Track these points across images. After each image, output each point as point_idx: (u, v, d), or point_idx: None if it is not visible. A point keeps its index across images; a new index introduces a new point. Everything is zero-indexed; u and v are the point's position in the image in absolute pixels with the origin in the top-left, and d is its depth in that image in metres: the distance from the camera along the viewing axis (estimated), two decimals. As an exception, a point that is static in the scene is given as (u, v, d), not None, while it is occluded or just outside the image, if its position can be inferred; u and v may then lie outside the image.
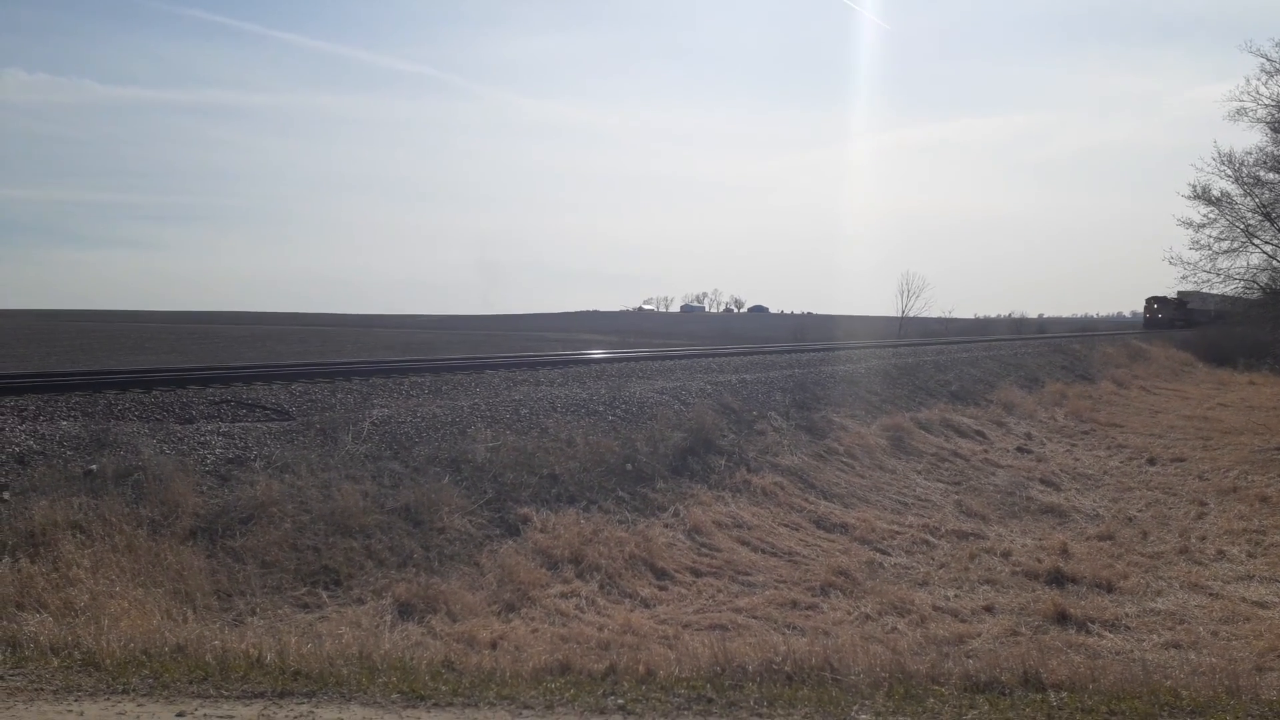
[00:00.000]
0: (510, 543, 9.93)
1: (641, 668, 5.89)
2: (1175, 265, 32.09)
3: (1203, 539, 12.98)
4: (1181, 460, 19.57)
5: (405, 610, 8.16)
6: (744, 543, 11.46)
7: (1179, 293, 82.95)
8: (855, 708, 4.97)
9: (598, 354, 24.61)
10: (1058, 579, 10.73)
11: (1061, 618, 9.27)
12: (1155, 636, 8.94)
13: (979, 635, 8.73)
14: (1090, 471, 18.38)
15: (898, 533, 12.67)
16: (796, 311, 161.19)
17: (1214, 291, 79.20)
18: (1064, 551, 11.88)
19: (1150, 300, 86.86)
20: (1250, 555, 12.17)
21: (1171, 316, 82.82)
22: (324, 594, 8.22)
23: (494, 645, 7.48)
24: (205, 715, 4.62)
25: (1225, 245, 30.02)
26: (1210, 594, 10.44)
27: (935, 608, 9.62)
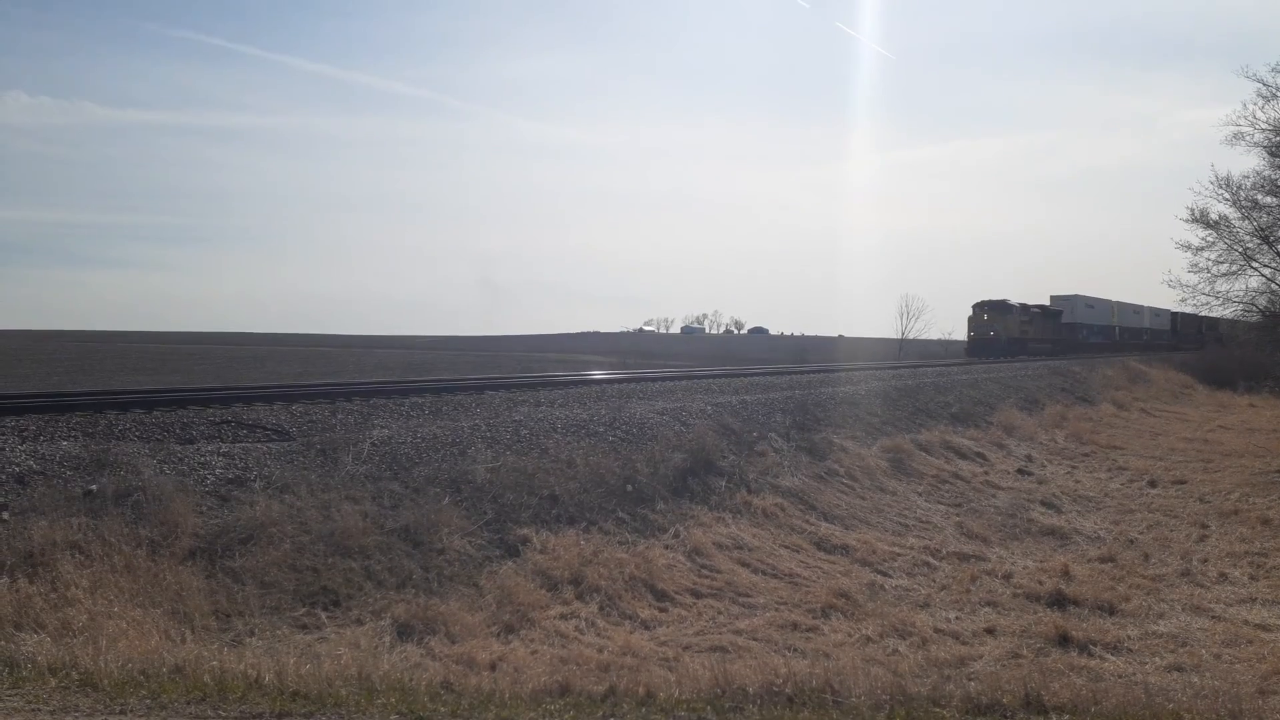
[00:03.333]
0: (510, 564, 9.91)
1: (641, 689, 5.87)
2: (1174, 288, 32.06)
3: (1204, 561, 12.94)
4: (1182, 482, 19.54)
5: (404, 631, 8.12)
6: (744, 564, 11.42)
7: (1052, 298, 57.45)
8: (856, 730, 4.95)
9: (598, 375, 24.62)
10: (1059, 601, 10.69)
11: (1063, 640, 9.23)
12: (1157, 659, 8.89)
13: (980, 657, 8.69)
14: (1091, 494, 18.34)
15: (898, 554, 12.63)
16: (797, 333, 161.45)
17: (1111, 298, 61.50)
18: (1065, 574, 11.84)
19: (980, 309, 51.99)
20: (1252, 578, 12.13)
21: (1017, 338, 50.52)
22: (323, 614, 8.19)
23: (493, 666, 7.45)
24: (203, 736, 4.60)
25: (1224, 268, 30.15)
26: (1212, 616, 10.40)
27: (936, 630, 9.58)
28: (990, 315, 51.42)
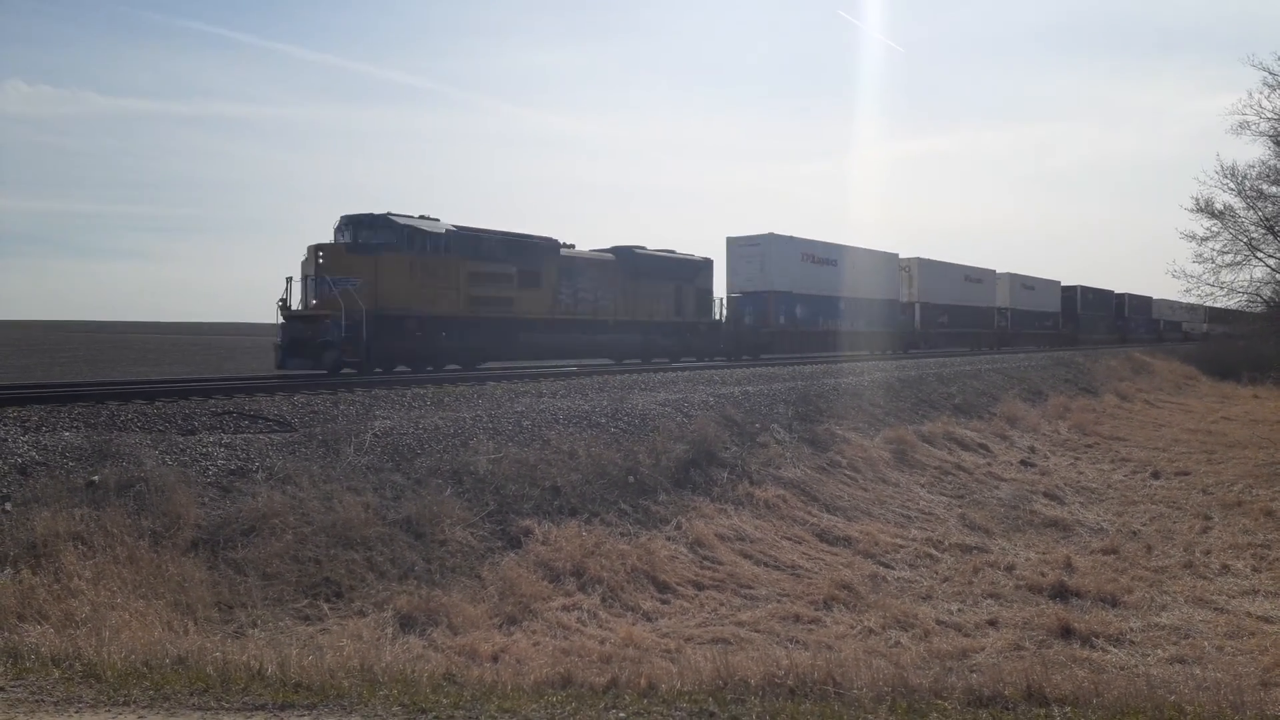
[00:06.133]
0: (512, 555, 9.91)
1: (643, 681, 5.88)
2: (1179, 278, 31.59)
3: (1207, 553, 12.93)
4: (1185, 474, 19.51)
5: (406, 622, 8.13)
6: (746, 556, 11.43)
7: (729, 241, 31.49)
8: (858, 722, 4.94)
9: (600, 365, 24.58)
10: (1061, 593, 10.69)
11: (1065, 632, 9.23)
12: (1160, 651, 8.90)
13: (982, 649, 8.69)
14: (1094, 485, 18.33)
15: (901, 546, 12.63)
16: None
17: (905, 254, 33.46)
18: (1068, 565, 11.84)
19: (314, 251, 18.38)
20: (1255, 570, 12.12)
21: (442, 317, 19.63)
22: (325, 606, 8.20)
23: (495, 658, 7.46)
24: (205, 728, 4.60)
25: (1228, 259, 29.97)
26: (1215, 609, 10.40)
27: (938, 622, 9.58)
28: (330, 258, 18.62)
